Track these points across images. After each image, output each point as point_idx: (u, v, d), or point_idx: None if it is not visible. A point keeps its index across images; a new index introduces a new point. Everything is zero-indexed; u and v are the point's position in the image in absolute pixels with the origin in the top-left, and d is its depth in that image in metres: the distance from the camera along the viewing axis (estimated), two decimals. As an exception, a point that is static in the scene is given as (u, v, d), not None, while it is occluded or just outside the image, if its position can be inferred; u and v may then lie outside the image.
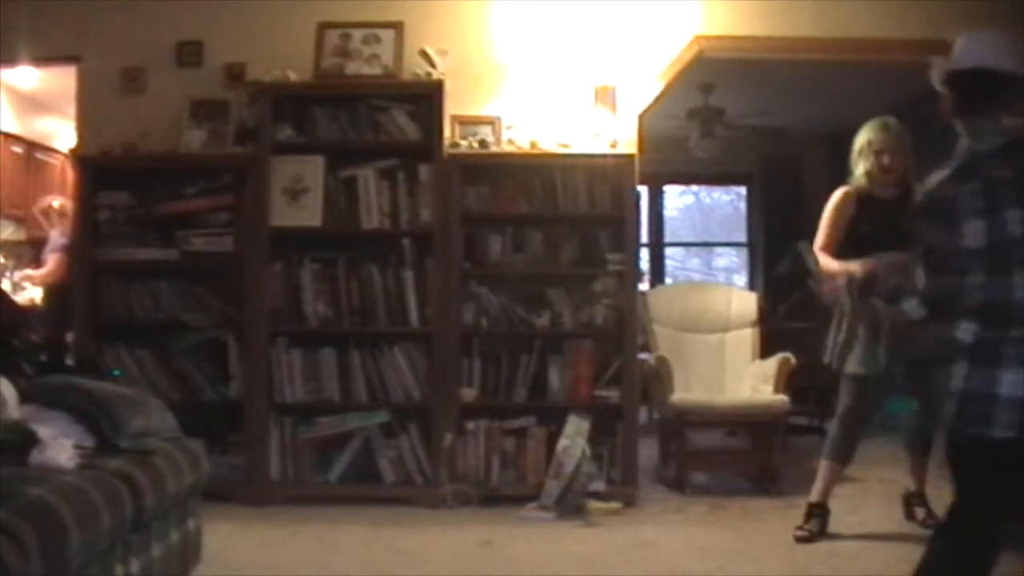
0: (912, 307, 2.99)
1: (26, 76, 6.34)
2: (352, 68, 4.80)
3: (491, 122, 4.84)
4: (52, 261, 6.13)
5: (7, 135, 6.84)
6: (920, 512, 4.18)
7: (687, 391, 5.09)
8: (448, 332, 4.58)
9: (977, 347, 2.28)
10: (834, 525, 4.19)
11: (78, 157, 4.94)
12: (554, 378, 4.65)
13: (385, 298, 4.65)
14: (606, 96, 4.83)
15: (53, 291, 6.03)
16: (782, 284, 7.71)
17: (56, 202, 6.38)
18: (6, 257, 6.80)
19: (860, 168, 4.11)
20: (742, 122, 7.79)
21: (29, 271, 6.50)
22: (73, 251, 5.84)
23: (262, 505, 4.42)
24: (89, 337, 4.66)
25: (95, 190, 4.75)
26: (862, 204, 4.06)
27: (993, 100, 2.38)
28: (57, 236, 6.17)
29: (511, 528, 3.75)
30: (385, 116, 4.70)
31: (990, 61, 2.42)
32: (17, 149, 7.00)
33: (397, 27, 4.83)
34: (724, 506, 4.57)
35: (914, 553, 3.70)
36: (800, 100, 7.72)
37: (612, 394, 4.61)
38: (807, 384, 5.87)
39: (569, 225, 4.77)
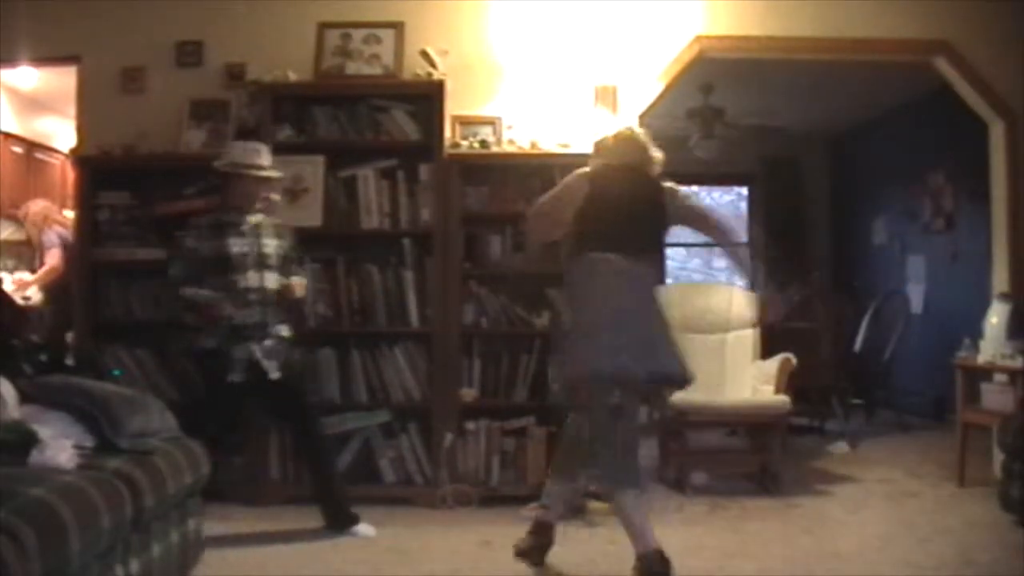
0: None
1: (26, 76, 6.34)
2: (352, 68, 4.81)
3: (491, 122, 4.84)
4: (52, 257, 6.13)
5: (7, 135, 6.83)
6: None
7: (687, 391, 5.07)
8: (448, 332, 4.58)
9: None
10: (834, 525, 4.20)
11: (78, 157, 4.94)
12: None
13: (385, 298, 4.65)
14: (606, 96, 4.83)
15: (53, 291, 6.02)
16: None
17: (35, 206, 6.35)
18: (6, 257, 6.78)
19: None
20: (742, 122, 7.79)
21: (26, 276, 6.42)
22: (71, 250, 5.84)
23: (262, 505, 4.42)
24: (89, 337, 4.66)
25: (95, 190, 4.75)
26: None
27: None
28: (53, 236, 6.16)
29: (511, 528, 3.75)
30: (385, 116, 4.70)
31: None
32: (17, 149, 6.99)
33: (397, 27, 4.83)
34: (724, 506, 4.56)
35: (914, 553, 3.73)
36: (800, 100, 7.72)
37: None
38: (807, 384, 5.89)
39: (569, 225, 4.77)
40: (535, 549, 3.53)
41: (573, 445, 3.62)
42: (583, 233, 3.54)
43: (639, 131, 3.84)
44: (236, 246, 4.03)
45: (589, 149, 3.78)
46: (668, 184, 3.66)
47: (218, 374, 3.98)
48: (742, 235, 3.87)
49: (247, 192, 4.11)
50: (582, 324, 3.48)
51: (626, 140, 3.77)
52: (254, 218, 4.13)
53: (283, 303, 4.11)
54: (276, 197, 4.42)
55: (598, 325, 3.40)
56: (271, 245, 4.12)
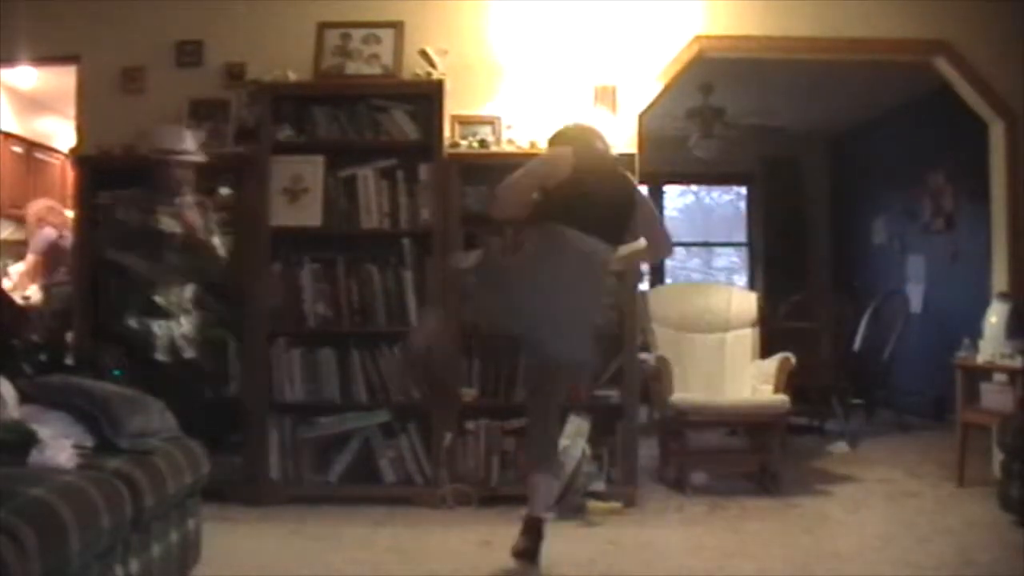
0: None
1: (26, 76, 6.34)
2: (352, 68, 4.81)
3: (491, 122, 4.84)
4: (26, 263, 6.11)
5: (7, 135, 6.83)
6: None
7: (687, 391, 5.08)
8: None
9: None
10: (834, 525, 4.20)
11: (78, 157, 4.94)
12: (554, 378, 4.64)
13: (385, 298, 4.65)
14: (606, 96, 4.83)
15: (53, 290, 6.00)
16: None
17: (35, 206, 6.35)
18: (6, 257, 6.78)
19: None
20: (742, 122, 7.79)
21: (7, 283, 6.39)
22: (58, 251, 5.83)
23: (262, 505, 4.42)
24: (89, 337, 4.66)
25: (95, 190, 4.75)
26: None
27: None
28: (41, 238, 6.13)
29: (511, 528, 3.74)
30: (385, 116, 4.70)
31: None
32: (17, 149, 6.99)
33: (397, 27, 4.84)
34: (724, 506, 4.56)
35: (914, 553, 3.73)
36: (800, 100, 7.72)
37: (612, 394, 4.61)
38: (807, 384, 5.89)
39: (569, 225, 4.76)
40: (532, 549, 3.54)
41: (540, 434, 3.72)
42: (553, 205, 3.55)
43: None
44: (165, 224, 4.15)
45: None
46: (639, 186, 3.76)
47: (141, 353, 4.05)
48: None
49: (173, 177, 4.22)
50: (513, 284, 3.61)
51: (589, 131, 3.81)
52: (183, 199, 4.24)
53: (191, 250, 4.19)
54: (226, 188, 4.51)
55: (526, 291, 3.53)
56: (199, 228, 4.24)
